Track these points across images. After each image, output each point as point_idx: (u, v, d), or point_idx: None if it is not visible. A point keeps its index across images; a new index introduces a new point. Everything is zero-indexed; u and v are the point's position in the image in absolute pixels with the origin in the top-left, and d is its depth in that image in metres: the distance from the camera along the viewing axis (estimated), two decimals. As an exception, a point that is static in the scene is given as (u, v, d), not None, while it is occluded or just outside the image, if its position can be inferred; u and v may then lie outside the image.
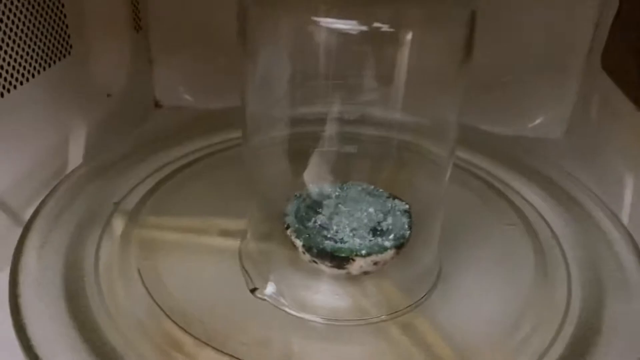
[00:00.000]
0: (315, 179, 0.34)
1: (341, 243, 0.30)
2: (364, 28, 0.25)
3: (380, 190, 0.34)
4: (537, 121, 0.51)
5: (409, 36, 0.26)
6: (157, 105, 0.55)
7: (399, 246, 0.30)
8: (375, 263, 0.29)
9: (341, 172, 0.35)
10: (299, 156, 0.34)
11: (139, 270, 0.33)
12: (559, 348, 0.29)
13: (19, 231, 0.34)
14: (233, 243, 0.35)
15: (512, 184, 0.41)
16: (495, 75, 0.50)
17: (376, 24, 0.25)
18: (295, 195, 0.33)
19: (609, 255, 0.35)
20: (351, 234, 0.30)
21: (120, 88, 0.49)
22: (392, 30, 0.26)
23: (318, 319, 0.30)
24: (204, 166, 0.43)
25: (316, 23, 0.25)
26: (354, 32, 0.25)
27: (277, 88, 0.33)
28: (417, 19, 0.26)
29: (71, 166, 0.41)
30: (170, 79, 0.54)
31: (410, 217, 0.32)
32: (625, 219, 0.38)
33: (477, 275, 0.33)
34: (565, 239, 0.36)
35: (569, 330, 0.30)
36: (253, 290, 0.31)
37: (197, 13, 0.52)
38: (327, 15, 0.25)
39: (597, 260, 0.34)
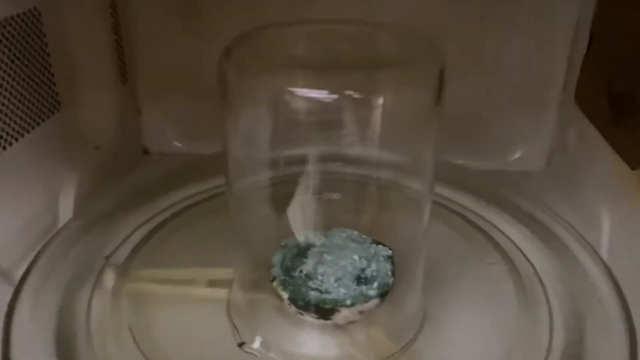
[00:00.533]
0: (300, 228, 0.35)
1: (326, 294, 0.31)
2: (336, 96, 0.26)
3: (364, 236, 0.35)
4: (517, 155, 0.52)
5: (380, 100, 0.27)
6: (146, 152, 0.56)
7: (383, 294, 0.31)
8: (361, 312, 0.30)
9: (325, 217, 0.36)
10: (283, 201, 0.35)
11: (130, 328, 0.33)
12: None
13: (10, 291, 0.34)
14: (221, 293, 0.36)
15: (492, 220, 0.42)
16: (474, 110, 0.51)
17: (348, 92, 0.26)
18: (281, 246, 0.34)
19: (588, 290, 0.35)
20: (335, 284, 0.31)
21: (109, 139, 0.49)
22: (363, 96, 0.27)
23: (307, 371, 0.31)
24: (193, 214, 0.44)
25: (292, 93, 0.26)
26: (328, 100, 0.26)
27: (258, 143, 0.34)
28: (387, 84, 0.27)
29: (62, 221, 0.42)
30: (159, 126, 0.55)
31: (393, 263, 0.33)
32: (603, 254, 0.39)
33: (461, 316, 0.34)
34: (546, 275, 0.37)
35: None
36: (241, 345, 0.32)
37: (183, 60, 0.53)
38: (302, 85, 0.26)
39: (578, 295, 0.35)
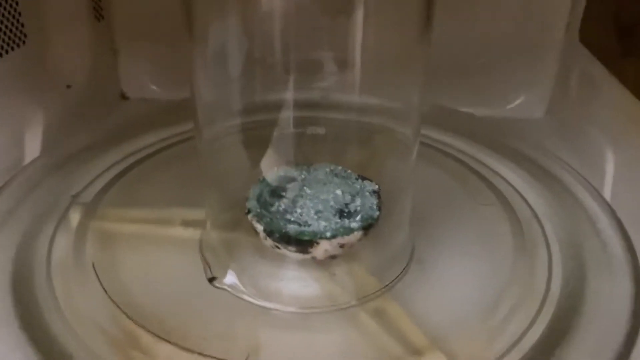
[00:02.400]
0: (276, 163, 0.32)
1: (305, 226, 0.28)
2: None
3: (349, 171, 0.32)
4: (517, 101, 0.49)
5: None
6: (124, 97, 0.53)
7: (367, 227, 0.28)
8: (342, 246, 0.28)
9: (307, 155, 0.33)
10: (260, 143, 0.33)
11: (93, 265, 0.31)
12: (537, 330, 0.27)
13: (-34, 228, 0.32)
14: (195, 233, 0.33)
15: (490, 164, 0.40)
16: (472, 56, 0.48)
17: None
18: (259, 180, 0.32)
19: (591, 233, 0.33)
20: (316, 217, 0.29)
21: (82, 79, 0.47)
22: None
23: (282, 307, 0.28)
24: (167, 157, 0.41)
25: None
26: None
27: (229, 69, 0.31)
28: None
29: (27, 160, 0.39)
30: (137, 69, 0.52)
31: (379, 197, 0.30)
32: (607, 196, 0.36)
33: (452, 257, 0.32)
34: (546, 218, 0.35)
35: (549, 311, 0.28)
36: (211, 280, 0.29)
37: (162, -1, 0.49)
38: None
39: (580, 238, 0.33)
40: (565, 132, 0.45)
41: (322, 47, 0.29)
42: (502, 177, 0.39)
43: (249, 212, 0.29)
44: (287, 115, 0.32)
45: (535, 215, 0.35)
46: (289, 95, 0.31)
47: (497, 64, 0.49)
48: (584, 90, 0.43)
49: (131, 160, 0.40)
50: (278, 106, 0.31)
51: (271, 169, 0.32)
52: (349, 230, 0.27)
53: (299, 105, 0.32)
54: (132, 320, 0.27)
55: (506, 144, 0.42)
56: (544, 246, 0.33)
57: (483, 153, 0.41)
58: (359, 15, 0.26)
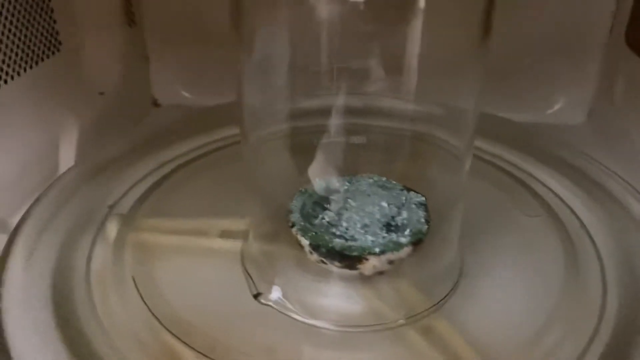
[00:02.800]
0: (322, 173, 0.31)
1: (352, 241, 0.27)
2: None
3: (393, 182, 0.31)
4: (557, 107, 0.48)
5: (421, 4, 0.23)
6: (156, 104, 0.53)
7: (417, 242, 0.27)
8: (391, 262, 0.27)
9: (350, 165, 0.32)
10: (302, 151, 0.32)
11: (133, 278, 0.30)
12: (596, 350, 0.26)
13: (4, 239, 0.31)
14: (235, 245, 0.32)
15: (533, 172, 0.38)
16: (511, 59, 0.47)
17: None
18: (300, 191, 0.31)
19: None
20: (362, 231, 0.28)
21: (114, 86, 0.46)
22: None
23: (329, 325, 0.27)
24: (204, 165, 0.41)
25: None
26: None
27: (277, 75, 0.30)
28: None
29: (62, 169, 0.39)
30: (169, 76, 0.52)
31: (427, 210, 0.29)
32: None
33: (502, 272, 0.31)
34: (595, 229, 0.33)
35: (606, 330, 0.27)
36: (256, 296, 0.28)
37: (194, 5, 0.49)
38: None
39: (632, 250, 0.32)
40: (608, 138, 0.43)
41: (372, 53, 0.28)
42: (547, 186, 0.37)
43: (292, 225, 0.28)
44: (335, 122, 0.31)
45: (584, 226, 0.34)
46: (337, 101, 0.30)
47: (536, 67, 0.48)
48: (630, 95, 0.41)
49: (166, 169, 0.40)
50: (325, 113, 0.30)
51: (314, 178, 0.31)
52: (399, 246, 0.27)
53: (347, 113, 0.31)
54: (174, 334, 0.27)
55: (548, 150, 0.41)
56: (596, 259, 0.31)
57: (524, 160, 0.40)
58: (415, 18, 0.24)
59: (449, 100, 0.30)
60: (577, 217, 0.34)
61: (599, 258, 0.31)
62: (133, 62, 0.49)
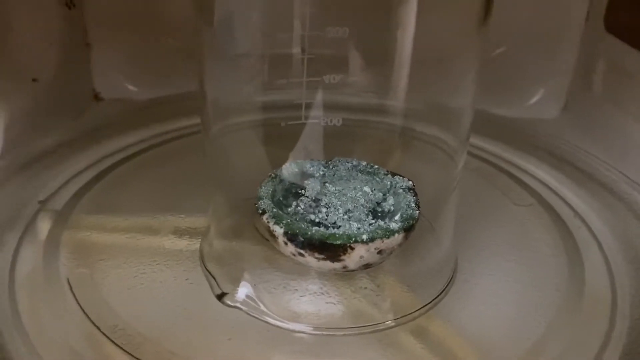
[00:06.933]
0: (294, 157, 0.27)
1: (334, 228, 0.23)
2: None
3: (376, 166, 0.27)
4: (535, 97, 0.45)
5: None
6: (97, 97, 0.47)
7: (408, 228, 0.23)
8: (380, 252, 0.23)
9: (326, 151, 0.28)
10: (269, 141, 0.28)
11: (68, 281, 0.25)
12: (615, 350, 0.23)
13: None
14: (192, 243, 0.28)
15: (519, 163, 0.36)
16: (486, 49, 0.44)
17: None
18: (270, 176, 0.27)
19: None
20: (346, 217, 0.24)
21: (50, 74, 0.41)
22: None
23: (306, 329, 0.23)
24: (150, 158, 0.36)
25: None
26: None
27: (243, 62, 0.26)
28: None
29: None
30: (112, 66, 0.47)
31: (416, 194, 0.25)
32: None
33: (500, 267, 0.27)
34: (590, 218, 0.31)
35: (622, 328, 0.24)
36: (221, 297, 0.24)
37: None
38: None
39: (633, 236, 0.29)
40: (588, 127, 0.41)
41: (349, 41, 0.25)
42: (534, 177, 0.35)
43: (263, 212, 0.24)
44: (306, 113, 0.27)
45: (577, 214, 0.31)
46: (310, 92, 0.26)
47: (510, 57, 0.45)
48: (611, 81, 0.39)
49: (108, 162, 0.35)
50: (296, 105, 0.26)
51: (286, 163, 0.27)
52: (389, 232, 0.23)
53: (320, 103, 0.27)
54: (119, 346, 0.22)
55: (530, 140, 0.39)
56: (598, 250, 0.29)
57: (507, 151, 0.37)
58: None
59: (442, 94, 0.26)
60: (569, 205, 0.32)
61: (601, 249, 0.29)
62: (72, 48, 0.44)
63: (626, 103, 0.37)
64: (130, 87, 0.47)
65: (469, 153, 0.36)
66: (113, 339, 0.22)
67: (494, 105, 0.43)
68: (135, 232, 0.29)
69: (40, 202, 0.31)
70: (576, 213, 0.31)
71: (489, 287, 0.26)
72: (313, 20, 0.26)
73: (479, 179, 0.34)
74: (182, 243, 0.28)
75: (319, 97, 0.26)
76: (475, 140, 0.38)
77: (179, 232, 0.29)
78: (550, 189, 0.33)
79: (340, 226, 0.23)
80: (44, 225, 0.29)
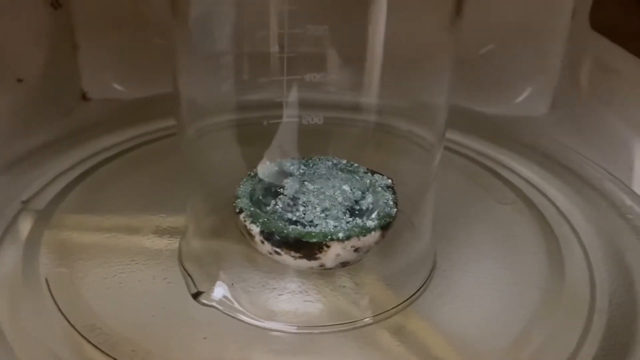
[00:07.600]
0: (272, 156, 0.27)
1: (311, 226, 0.23)
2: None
3: (355, 165, 0.27)
4: (523, 95, 0.45)
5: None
6: (85, 97, 0.47)
7: (385, 226, 0.23)
8: (357, 249, 0.23)
9: (306, 149, 0.28)
10: (246, 141, 0.28)
11: (46, 280, 0.25)
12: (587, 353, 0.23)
13: None
14: (171, 242, 0.28)
15: (504, 161, 0.36)
16: (472, 48, 0.44)
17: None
18: (249, 175, 0.26)
19: (626, 228, 0.29)
20: (323, 215, 0.24)
21: (36, 74, 0.41)
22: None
23: (284, 327, 0.23)
24: (133, 159, 0.36)
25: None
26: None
27: (218, 60, 0.26)
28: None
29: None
30: (99, 66, 0.47)
31: (394, 193, 0.25)
32: (636, 187, 0.33)
33: (479, 264, 0.27)
34: (573, 215, 0.31)
35: (600, 323, 0.24)
36: (196, 295, 0.24)
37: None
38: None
39: (614, 233, 0.29)
40: (576, 125, 0.41)
41: (321, 40, 0.25)
42: (517, 174, 0.35)
43: (240, 211, 0.24)
44: (285, 112, 0.27)
45: (560, 211, 0.31)
46: (287, 92, 0.26)
47: (497, 55, 0.45)
48: (597, 78, 0.39)
49: (93, 161, 0.35)
50: (274, 104, 0.26)
51: (264, 162, 0.27)
52: (366, 230, 0.23)
53: (299, 102, 0.27)
54: (96, 347, 0.22)
55: (515, 137, 0.39)
56: (579, 247, 0.29)
57: (490, 148, 0.37)
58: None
59: (418, 89, 0.26)
60: (553, 204, 0.32)
61: (582, 246, 0.29)
62: (59, 48, 0.44)
63: (612, 100, 0.37)
64: (118, 87, 0.47)
65: (455, 151, 0.37)
66: (89, 338, 0.22)
67: (481, 103, 0.43)
68: (116, 232, 0.29)
69: (23, 202, 0.31)
70: (559, 210, 0.31)
71: (469, 283, 0.26)
72: (292, 18, 0.26)
73: (463, 177, 0.34)
74: (163, 242, 0.28)
75: (298, 95, 0.26)
76: (461, 138, 0.38)
77: (159, 232, 0.29)
78: (535, 186, 0.33)
79: (317, 224, 0.23)
80: (25, 225, 0.29)
